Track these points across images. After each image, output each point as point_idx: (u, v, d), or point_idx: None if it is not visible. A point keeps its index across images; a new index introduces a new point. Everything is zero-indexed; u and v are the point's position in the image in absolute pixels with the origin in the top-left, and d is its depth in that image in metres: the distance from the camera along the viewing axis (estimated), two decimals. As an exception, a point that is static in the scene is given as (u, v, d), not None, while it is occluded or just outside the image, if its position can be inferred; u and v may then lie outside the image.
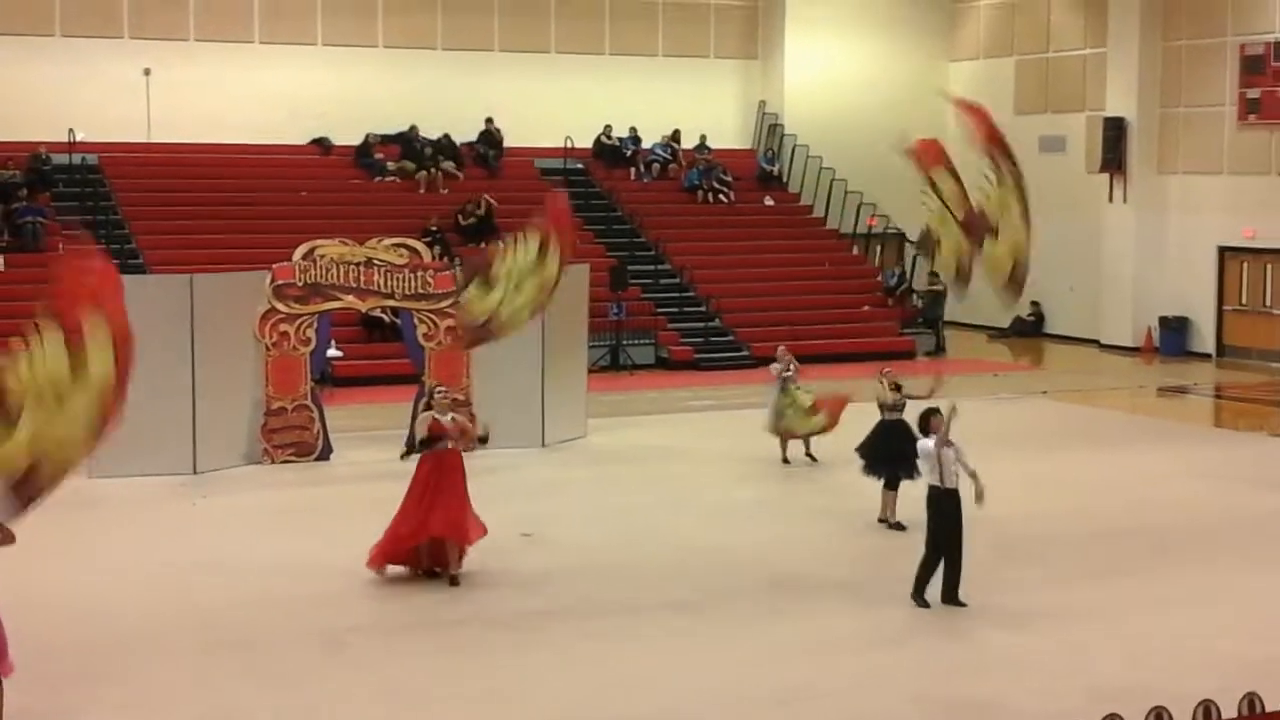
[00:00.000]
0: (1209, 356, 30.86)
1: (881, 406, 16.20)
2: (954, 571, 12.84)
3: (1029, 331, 34.34)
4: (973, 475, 12.66)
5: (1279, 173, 29.39)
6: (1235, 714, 8.97)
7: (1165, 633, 12.28)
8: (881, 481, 15.87)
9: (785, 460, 19.33)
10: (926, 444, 12.92)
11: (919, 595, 12.88)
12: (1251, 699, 8.59)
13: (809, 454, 19.29)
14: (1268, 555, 14.95)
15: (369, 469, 19.04)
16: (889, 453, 15.54)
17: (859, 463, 16.19)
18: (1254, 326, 30.45)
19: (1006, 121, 34.84)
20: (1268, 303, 30.18)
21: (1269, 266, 30.11)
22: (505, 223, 30.51)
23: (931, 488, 12.93)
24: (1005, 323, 34.49)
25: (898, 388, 16.19)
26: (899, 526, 15.54)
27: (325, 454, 19.47)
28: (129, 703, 10.42)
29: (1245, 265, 30.69)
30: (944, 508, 12.75)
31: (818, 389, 19.38)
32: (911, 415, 14.39)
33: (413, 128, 32.19)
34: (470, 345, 17.00)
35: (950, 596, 12.84)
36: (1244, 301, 30.74)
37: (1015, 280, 12.93)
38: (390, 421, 20.99)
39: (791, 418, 18.96)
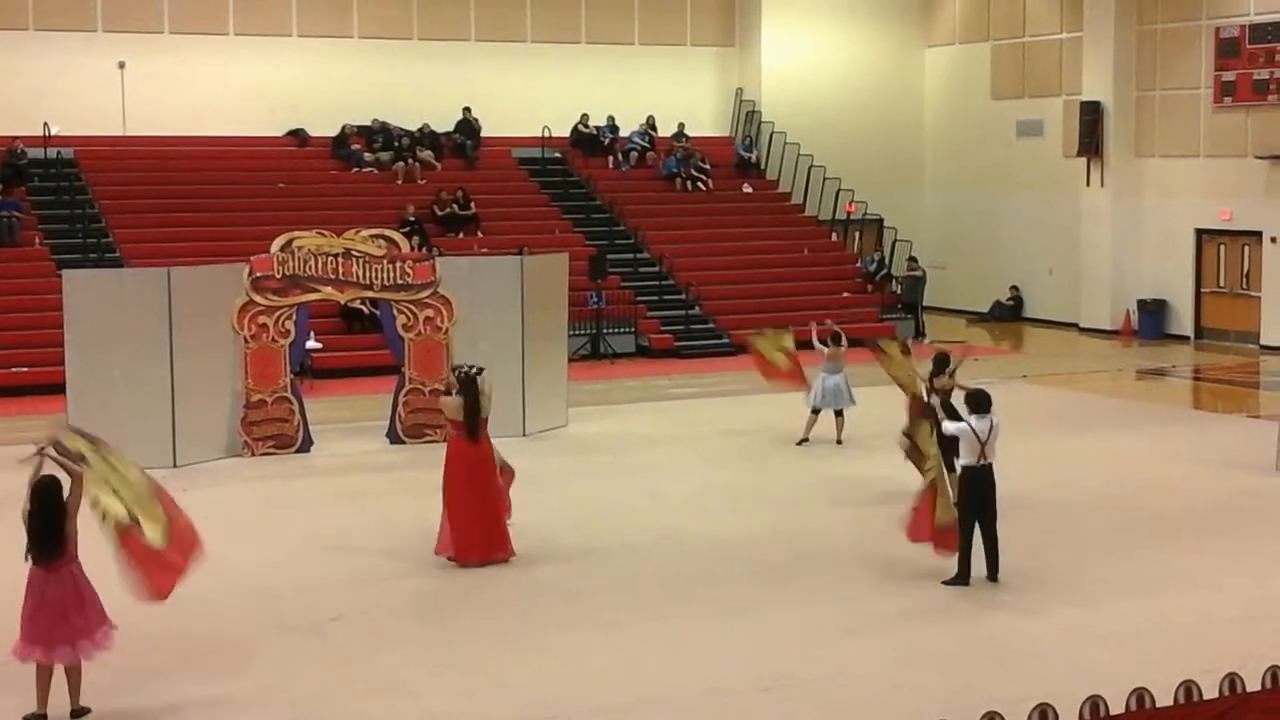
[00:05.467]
0: (1187, 339, 30.98)
1: (931, 390, 16.10)
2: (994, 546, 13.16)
3: (1008, 316, 34.44)
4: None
5: (1255, 155, 29.47)
6: (1172, 702, 9.00)
7: (1149, 615, 12.31)
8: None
9: (804, 440, 19.40)
10: (959, 425, 13.12)
11: (963, 577, 13.06)
12: (1141, 694, 8.65)
13: (839, 439, 19.44)
14: (1248, 536, 15.01)
15: (350, 461, 19.04)
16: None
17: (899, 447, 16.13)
18: (1231, 308, 30.56)
19: (983, 107, 35.24)
20: (1245, 285, 30.29)
21: (1246, 248, 30.22)
22: (483, 212, 30.57)
23: (968, 467, 13.08)
24: (985, 307, 34.63)
25: (948, 371, 16.01)
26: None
27: (305, 446, 19.42)
28: (112, 698, 10.38)
29: (1222, 247, 30.79)
30: (984, 483, 13.03)
31: None
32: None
33: (375, 120, 32.06)
34: None
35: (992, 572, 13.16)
36: (1221, 284, 30.85)
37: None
38: (371, 413, 20.99)
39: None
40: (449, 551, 13.97)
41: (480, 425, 14.13)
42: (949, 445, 14.59)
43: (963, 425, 13.11)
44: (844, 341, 19.42)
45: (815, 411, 19.45)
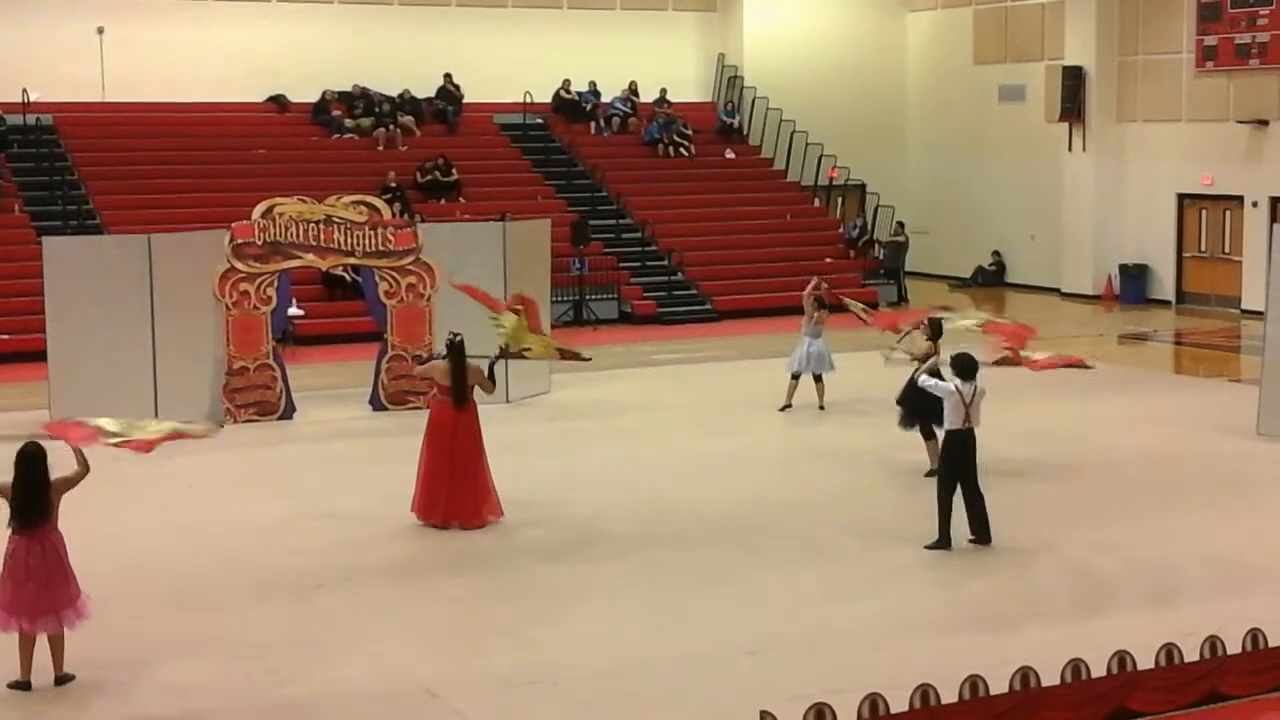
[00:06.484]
0: (1169, 303, 31.05)
1: (915, 357, 16.13)
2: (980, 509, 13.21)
3: (990, 281, 34.47)
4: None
5: (1236, 119, 29.48)
6: (1154, 664, 9.05)
7: (1129, 579, 12.37)
8: (919, 432, 15.80)
9: (787, 406, 19.42)
10: (946, 387, 13.06)
11: (944, 540, 13.09)
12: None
13: (820, 405, 19.43)
14: (1229, 500, 15.08)
15: (332, 427, 19.03)
16: (924, 404, 15.01)
17: (896, 413, 16.13)
18: (1213, 273, 30.62)
19: (965, 71, 35.18)
20: (1226, 249, 30.35)
21: (1227, 213, 30.26)
22: (465, 179, 30.49)
23: (952, 431, 13.05)
24: (967, 272, 34.66)
25: (930, 337, 15.90)
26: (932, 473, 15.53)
27: (288, 413, 19.41)
28: (94, 665, 10.37)
29: (1204, 212, 30.83)
30: (966, 447, 13.02)
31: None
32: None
33: (355, 86, 31.95)
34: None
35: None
36: (1203, 248, 30.90)
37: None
38: (353, 380, 20.98)
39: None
40: (415, 511, 14.15)
41: (467, 392, 14.16)
42: (930, 410, 14.62)
43: (949, 387, 13.09)
44: (825, 306, 19.43)
45: (795, 377, 19.47)
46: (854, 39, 36.02)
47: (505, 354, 14.81)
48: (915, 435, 15.90)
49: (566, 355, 15.39)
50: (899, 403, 16.17)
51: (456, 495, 14.01)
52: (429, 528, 13.98)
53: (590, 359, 15.45)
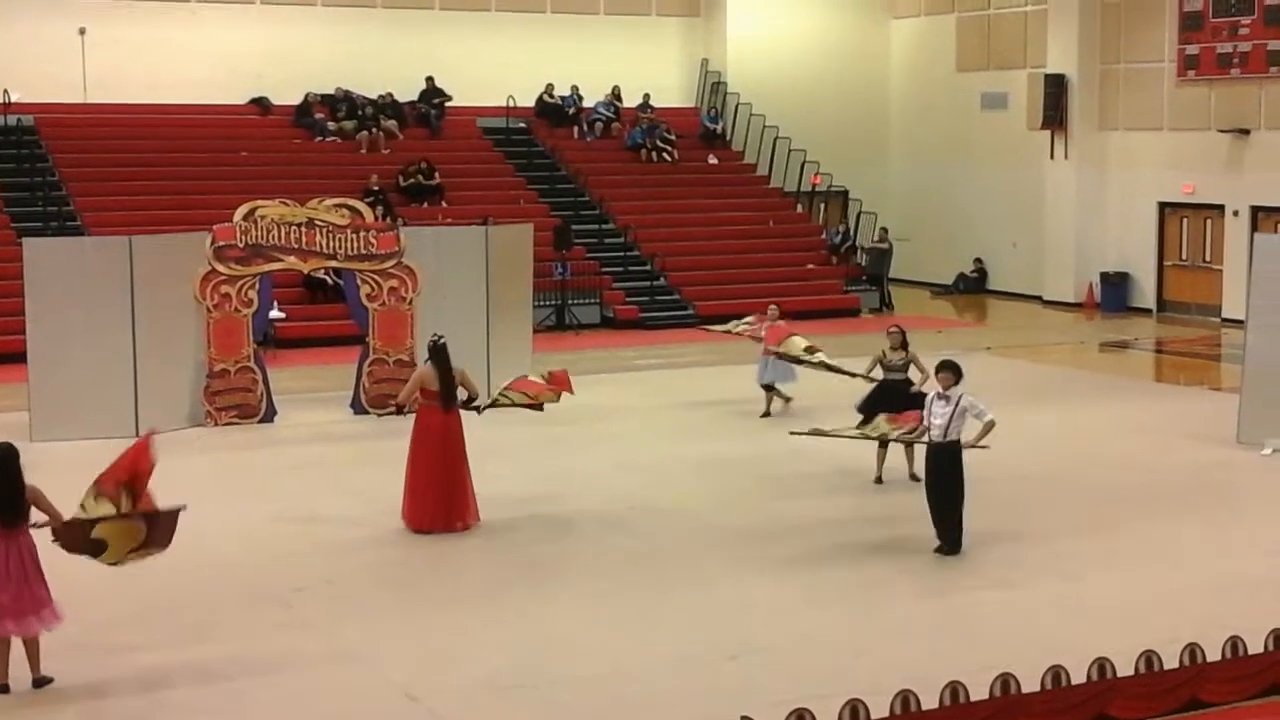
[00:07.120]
0: (1149, 311, 31.13)
1: (884, 365, 16.21)
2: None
3: (972, 288, 34.54)
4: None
5: (1218, 128, 29.57)
6: (1133, 671, 9.08)
7: (1111, 587, 12.39)
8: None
9: (767, 414, 19.47)
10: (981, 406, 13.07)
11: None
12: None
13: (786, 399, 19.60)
14: (1209, 508, 15.12)
15: (313, 431, 18.99)
16: (890, 410, 15.06)
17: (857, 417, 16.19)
18: (1194, 281, 30.71)
19: (948, 79, 35.24)
20: (1207, 258, 30.44)
21: (1208, 222, 30.35)
22: (448, 183, 30.46)
23: (952, 442, 13.05)
24: (949, 279, 34.72)
25: (903, 346, 16.14)
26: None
27: (269, 416, 19.37)
28: (75, 669, 10.32)
29: (1185, 221, 30.92)
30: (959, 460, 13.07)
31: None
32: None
33: (338, 89, 31.92)
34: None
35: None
36: (1184, 257, 30.99)
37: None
38: (334, 383, 20.94)
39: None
40: (406, 518, 14.08)
41: (455, 393, 14.16)
42: (877, 407, 14.72)
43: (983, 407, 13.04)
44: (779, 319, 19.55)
45: (766, 387, 19.52)
46: (837, 46, 36.09)
47: (477, 404, 14.79)
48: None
49: (532, 406, 15.34)
50: (860, 410, 16.10)
51: (443, 500, 14.00)
52: (410, 532, 13.97)
53: (543, 409, 15.48)
